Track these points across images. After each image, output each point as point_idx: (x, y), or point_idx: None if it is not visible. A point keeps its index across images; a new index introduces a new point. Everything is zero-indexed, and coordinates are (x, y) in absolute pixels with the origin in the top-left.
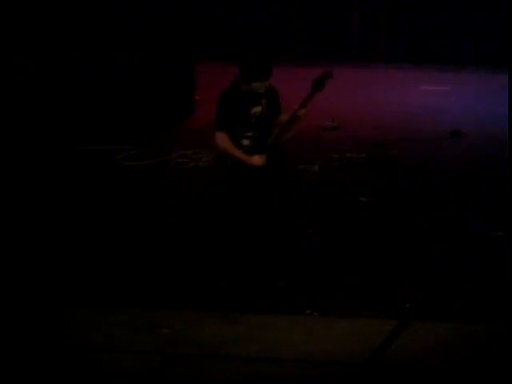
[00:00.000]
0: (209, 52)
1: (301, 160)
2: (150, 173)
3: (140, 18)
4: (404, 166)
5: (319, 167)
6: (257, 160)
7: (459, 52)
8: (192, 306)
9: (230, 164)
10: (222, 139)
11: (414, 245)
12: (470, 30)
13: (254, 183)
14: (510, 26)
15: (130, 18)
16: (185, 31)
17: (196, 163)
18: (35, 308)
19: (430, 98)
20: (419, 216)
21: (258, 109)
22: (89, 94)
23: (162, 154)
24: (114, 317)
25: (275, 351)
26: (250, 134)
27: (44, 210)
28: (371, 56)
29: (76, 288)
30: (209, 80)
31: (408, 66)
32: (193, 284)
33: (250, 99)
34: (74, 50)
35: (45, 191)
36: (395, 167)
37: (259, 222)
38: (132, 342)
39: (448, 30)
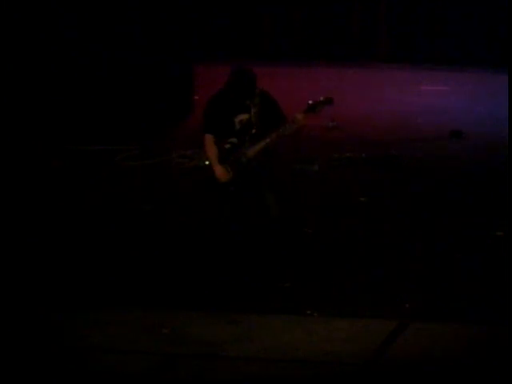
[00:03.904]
0: (208, 52)
1: (300, 160)
2: (150, 173)
3: (139, 18)
4: (404, 165)
5: (319, 167)
6: (219, 173)
7: (459, 52)
8: (192, 306)
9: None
10: (205, 141)
11: (414, 245)
12: (470, 30)
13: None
14: (510, 26)
15: (130, 18)
16: (184, 31)
17: (196, 163)
18: (35, 308)
19: (430, 97)
20: (419, 216)
21: (244, 116)
22: (89, 94)
23: (162, 154)
24: (114, 317)
25: (275, 351)
26: (233, 139)
27: (44, 211)
28: (371, 56)
29: (76, 288)
30: (208, 80)
31: (408, 66)
32: (193, 284)
33: (236, 107)
34: (74, 49)
35: (44, 191)
36: (395, 167)
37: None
38: (132, 342)
39: (448, 30)
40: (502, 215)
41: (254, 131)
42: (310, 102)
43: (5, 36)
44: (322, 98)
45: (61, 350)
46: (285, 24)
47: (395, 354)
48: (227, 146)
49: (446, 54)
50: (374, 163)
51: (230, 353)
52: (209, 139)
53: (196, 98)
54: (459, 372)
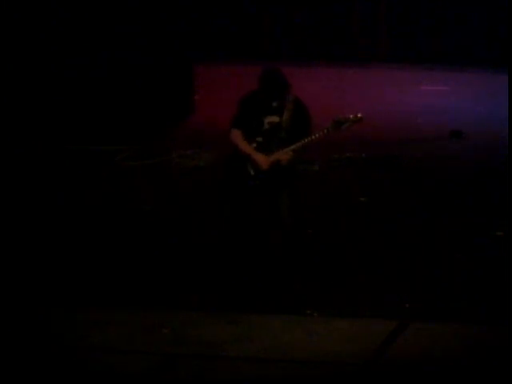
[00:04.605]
0: (208, 52)
1: (301, 160)
2: (150, 173)
3: (139, 18)
4: (404, 165)
5: (319, 167)
6: (262, 160)
7: (459, 52)
8: (192, 306)
9: (232, 166)
10: (235, 135)
11: (414, 245)
12: (470, 30)
13: (249, 188)
14: (510, 26)
15: (130, 18)
16: (184, 31)
17: (196, 163)
18: (35, 308)
19: (430, 97)
20: (419, 216)
21: (275, 118)
22: (89, 94)
23: (162, 153)
24: (114, 317)
25: (275, 351)
26: (259, 139)
27: (44, 211)
28: (371, 56)
29: (76, 288)
30: (208, 80)
31: (408, 66)
32: (193, 284)
33: (268, 108)
34: (74, 50)
35: (44, 192)
36: (395, 167)
37: (261, 224)
38: (132, 342)
39: (448, 30)
40: (502, 215)
41: (282, 135)
42: (337, 117)
43: (5, 36)
44: (351, 116)
45: (61, 349)
46: (285, 24)
47: (395, 353)
48: (253, 145)
49: (445, 53)
50: (374, 163)
51: (230, 353)
52: (238, 134)
53: (196, 97)
54: (459, 372)
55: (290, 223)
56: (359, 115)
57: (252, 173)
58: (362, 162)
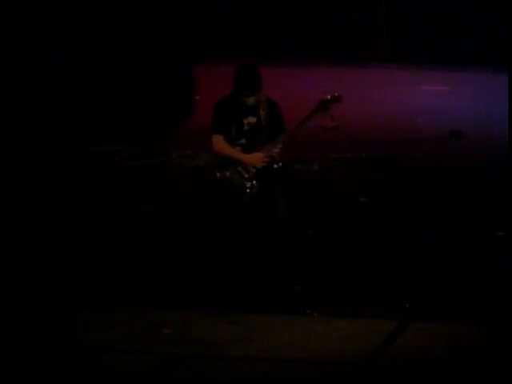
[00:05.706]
0: (208, 52)
1: (300, 160)
2: (150, 173)
3: (140, 18)
4: (404, 165)
5: (318, 167)
6: (254, 158)
7: (459, 52)
8: (192, 306)
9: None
10: (217, 141)
11: (414, 245)
12: (470, 30)
13: (238, 194)
14: (510, 26)
15: (130, 18)
16: (184, 31)
17: (196, 163)
18: (35, 308)
19: (429, 97)
20: (419, 216)
21: (252, 119)
22: (89, 94)
23: (162, 153)
24: (114, 317)
25: (275, 351)
26: (241, 141)
27: (44, 211)
28: (371, 56)
29: (76, 288)
30: (208, 80)
31: (408, 66)
32: (193, 284)
33: (244, 109)
34: (74, 49)
35: (44, 191)
36: (395, 167)
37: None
38: (132, 342)
39: (448, 29)
40: (502, 215)
41: (263, 134)
42: (320, 99)
43: (5, 36)
44: (329, 96)
45: (61, 349)
46: (285, 24)
47: (395, 353)
48: (237, 148)
49: (445, 54)
50: (374, 163)
51: (230, 353)
52: (220, 140)
53: (197, 97)
54: (459, 372)
55: (287, 222)
56: (336, 94)
57: (246, 175)
58: (362, 162)
